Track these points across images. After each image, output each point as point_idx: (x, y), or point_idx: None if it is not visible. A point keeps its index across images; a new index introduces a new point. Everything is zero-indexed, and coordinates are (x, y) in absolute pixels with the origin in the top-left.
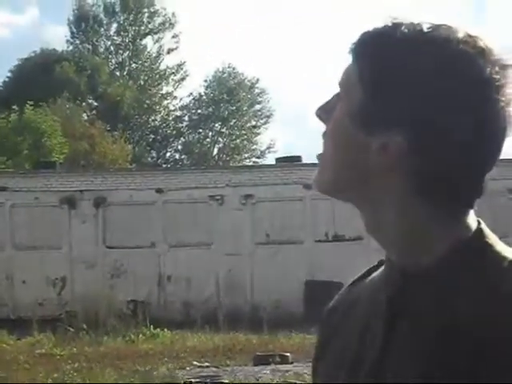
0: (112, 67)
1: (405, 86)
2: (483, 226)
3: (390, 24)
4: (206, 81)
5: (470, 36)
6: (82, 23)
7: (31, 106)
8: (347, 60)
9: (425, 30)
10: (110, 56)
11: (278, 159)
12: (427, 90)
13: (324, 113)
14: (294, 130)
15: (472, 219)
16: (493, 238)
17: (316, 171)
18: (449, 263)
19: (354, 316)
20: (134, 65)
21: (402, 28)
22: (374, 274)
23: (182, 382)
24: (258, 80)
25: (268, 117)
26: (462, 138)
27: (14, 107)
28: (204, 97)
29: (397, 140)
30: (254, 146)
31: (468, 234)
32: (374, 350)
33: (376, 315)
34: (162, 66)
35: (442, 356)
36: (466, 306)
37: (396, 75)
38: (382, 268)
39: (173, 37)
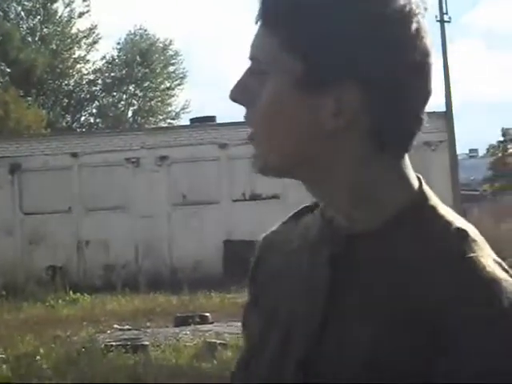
0: (23, 33)
1: (339, 36)
2: (424, 184)
3: None
4: (118, 43)
5: None
6: None
7: None
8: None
9: None
10: (21, 22)
11: (192, 120)
12: (364, 35)
13: (241, 94)
14: (207, 91)
15: (413, 176)
16: (435, 199)
17: (255, 157)
18: (398, 227)
19: (288, 268)
20: (45, 30)
21: None
22: (306, 223)
23: (103, 345)
24: (171, 42)
25: (182, 78)
26: (408, 81)
27: None
28: (117, 60)
29: (351, 93)
30: (169, 108)
31: (413, 194)
32: (314, 316)
33: (315, 274)
34: (74, 30)
35: (391, 337)
36: (417, 280)
37: (325, 25)
38: (314, 222)
39: (83, 0)
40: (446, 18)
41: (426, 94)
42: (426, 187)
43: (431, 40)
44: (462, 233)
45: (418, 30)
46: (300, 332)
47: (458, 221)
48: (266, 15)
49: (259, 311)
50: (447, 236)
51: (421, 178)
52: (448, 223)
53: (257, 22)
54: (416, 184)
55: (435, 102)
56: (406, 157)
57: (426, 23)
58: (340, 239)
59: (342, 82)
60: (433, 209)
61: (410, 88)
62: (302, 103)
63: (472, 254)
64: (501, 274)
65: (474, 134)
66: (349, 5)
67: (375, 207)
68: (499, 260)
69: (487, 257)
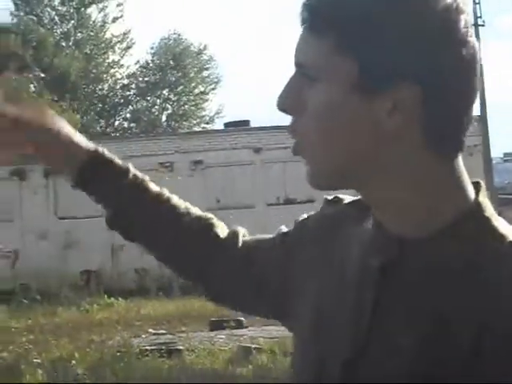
0: (57, 38)
1: (392, 36)
2: (482, 191)
3: None
4: (152, 48)
5: None
6: None
7: None
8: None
9: None
10: (55, 27)
11: (226, 124)
12: (416, 33)
13: (291, 103)
14: (241, 96)
15: (469, 181)
16: (490, 210)
17: (308, 169)
18: (452, 236)
19: (333, 261)
20: (79, 34)
21: None
22: (355, 219)
23: (138, 349)
24: (205, 46)
25: (216, 83)
26: (460, 77)
27: None
28: (151, 64)
29: (406, 91)
30: (203, 113)
31: (470, 202)
32: (362, 319)
33: (365, 278)
34: (108, 35)
35: (436, 348)
36: (464, 292)
37: (378, 26)
38: (365, 223)
39: (117, 5)
40: (480, 21)
41: (475, 90)
42: (483, 195)
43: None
44: None
45: (466, 26)
46: (347, 334)
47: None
48: (313, 20)
49: (304, 302)
50: (501, 248)
51: (481, 183)
52: (502, 237)
53: (303, 27)
54: (472, 191)
55: None
56: (461, 161)
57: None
58: (393, 245)
59: (397, 81)
60: (488, 220)
61: (462, 84)
62: (358, 107)
63: None
64: None
65: (509, 138)
66: (399, 3)
67: (431, 213)
68: None
69: None
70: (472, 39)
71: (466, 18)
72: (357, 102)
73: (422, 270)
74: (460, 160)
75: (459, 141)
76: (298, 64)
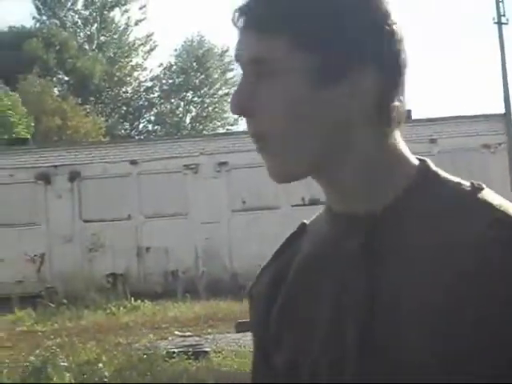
0: (81, 41)
1: (346, 19)
2: (427, 160)
3: None
4: (175, 50)
5: None
6: None
7: None
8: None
9: None
10: (78, 30)
11: None
12: (369, 18)
13: (247, 103)
14: None
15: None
16: (436, 168)
17: (273, 166)
18: (414, 196)
19: (310, 282)
20: (102, 37)
21: None
22: (313, 232)
23: (164, 352)
24: (228, 48)
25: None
26: (402, 55)
27: None
28: (174, 66)
29: (364, 76)
30: (227, 114)
31: (416, 164)
32: (358, 303)
33: (347, 269)
34: (131, 38)
35: (445, 276)
36: (454, 227)
37: (327, 12)
38: (321, 226)
39: (140, 8)
40: (503, 19)
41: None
42: (428, 161)
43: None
44: (475, 185)
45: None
46: (352, 309)
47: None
48: (265, 18)
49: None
50: (465, 194)
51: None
52: (459, 184)
53: (246, 27)
54: (415, 160)
55: (494, 105)
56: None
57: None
58: (361, 225)
59: (354, 68)
60: (439, 174)
61: (397, 56)
62: (321, 98)
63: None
64: None
65: None
66: None
67: (387, 185)
68: None
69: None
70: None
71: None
72: (317, 94)
73: (402, 234)
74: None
75: (401, 113)
76: (252, 60)
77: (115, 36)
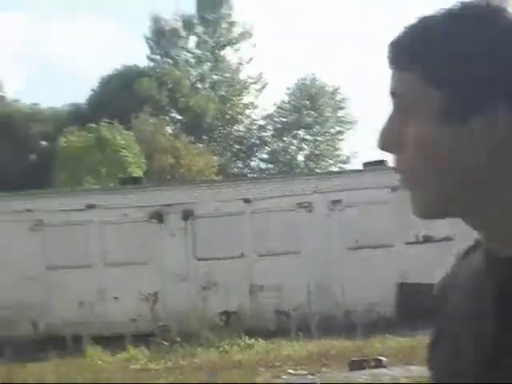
0: (193, 80)
1: (478, 61)
2: None
3: (416, 20)
4: (288, 88)
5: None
6: (161, 38)
7: (107, 123)
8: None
9: (456, 11)
10: (191, 69)
11: (365, 164)
12: (500, 59)
13: (391, 141)
14: (374, 136)
15: None
16: None
17: (414, 203)
18: None
19: (453, 302)
20: (214, 76)
21: (432, 17)
22: (472, 259)
23: None
24: (339, 87)
25: (351, 123)
26: None
27: (92, 125)
28: (287, 105)
29: (498, 110)
30: (339, 152)
31: None
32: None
33: (481, 303)
34: (242, 76)
35: None
36: None
37: (459, 54)
38: (478, 253)
39: (251, 46)
40: None
41: None
42: None
43: None
44: None
45: None
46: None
47: None
48: (399, 55)
49: (442, 348)
50: None
51: None
52: None
53: (391, 67)
54: None
55: None
56: None
57: None
58: (503, 266)
59: (487, 103)
60: None
61: None
62: (452, 134)
63: None
64: None
65: None
66: (474, 30)
67: None
68: None
69: None
70: None
71: None
72: (448, 130)
73: None
74: None
75: None
76: (392, 94)
77: (227, 74)
